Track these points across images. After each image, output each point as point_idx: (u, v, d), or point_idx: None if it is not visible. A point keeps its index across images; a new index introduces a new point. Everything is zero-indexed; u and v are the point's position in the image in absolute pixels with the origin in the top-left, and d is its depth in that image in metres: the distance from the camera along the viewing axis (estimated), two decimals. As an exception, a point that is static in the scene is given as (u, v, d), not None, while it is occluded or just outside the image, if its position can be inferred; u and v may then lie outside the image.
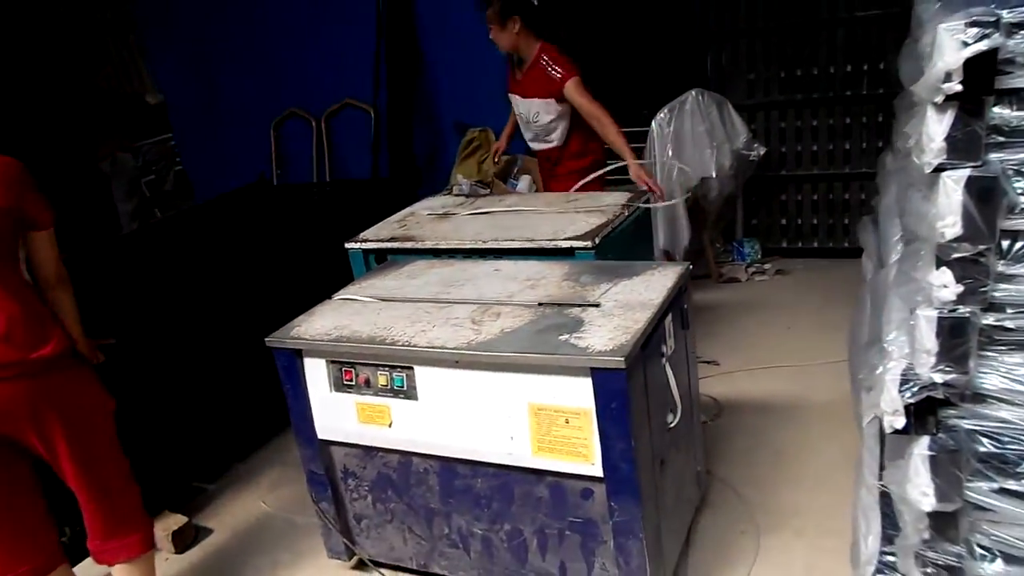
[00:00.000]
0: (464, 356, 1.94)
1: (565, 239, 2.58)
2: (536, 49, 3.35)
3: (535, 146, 3.59)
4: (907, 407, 1.36)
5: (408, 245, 2.81)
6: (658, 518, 2.00)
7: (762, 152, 4.22)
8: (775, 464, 2.71)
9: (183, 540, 2.70)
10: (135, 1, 6.53)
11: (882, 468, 1.57)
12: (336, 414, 2.19)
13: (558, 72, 3.28)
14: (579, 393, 1.85)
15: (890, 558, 1.59)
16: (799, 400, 3.08)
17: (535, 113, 3.42)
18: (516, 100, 3.52)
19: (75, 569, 2.26)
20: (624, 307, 2.04)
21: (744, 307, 4.06)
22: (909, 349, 1.43)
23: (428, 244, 2.78)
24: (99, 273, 2.84)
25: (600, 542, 1.99)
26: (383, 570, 2.37)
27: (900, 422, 1.37)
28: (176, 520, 2.71)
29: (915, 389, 1.36)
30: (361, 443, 2.21)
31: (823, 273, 4.38)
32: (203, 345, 3.05)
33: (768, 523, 2.42)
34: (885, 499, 1.58)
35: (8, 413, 1.89)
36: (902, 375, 1.38)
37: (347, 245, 2.95)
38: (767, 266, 4.50)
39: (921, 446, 1.37)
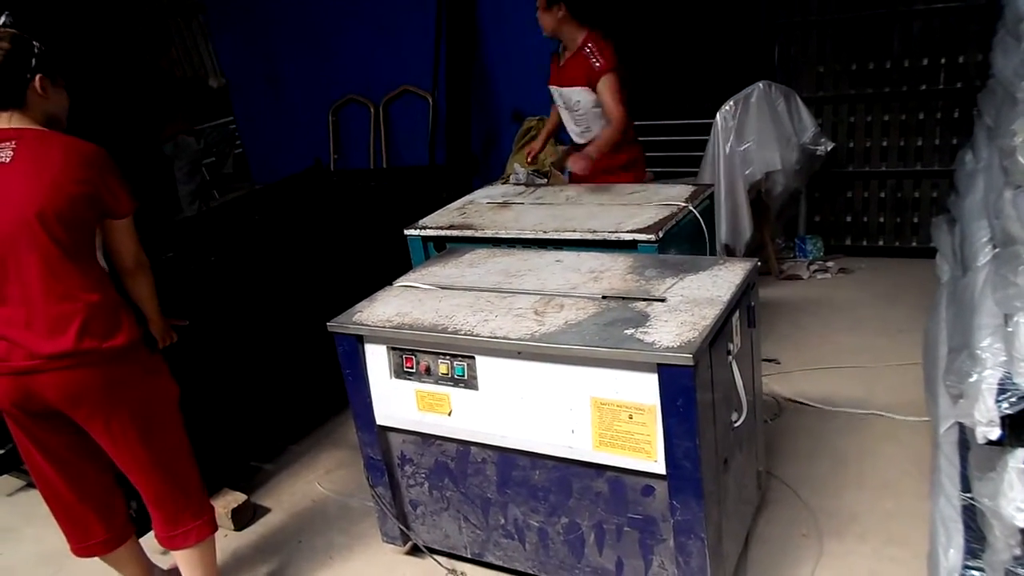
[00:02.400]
0: (527, 347, 1.92)
1: (628, 232, 2.54)
2: (582, 37, 3.32)
3: (581, 139, 3.51)
4: (1003, 418, 1.30)
5: (468, 233, 2.80)
6: (720, 518, 1.96)
7: (830, 147, 4.10)
8: (837, 467, 2.64)
9: (242, 518, 2.75)
10: (202, -14, 6.66)
11: (965, 478, 1.50)
12: (395, 401, 2.20)
13: (598, 61, 3.27)
14: (644, 389, 1.81)
15: (974, 573, 1.52)
16: (862, 402, 2.98)
17: (576, 101, 3.39)
18: (557, 92, 3.48)
19: (141, 541, 2.32)
20: (691, 303, 1.99)
21: (805, 305, 3.96)
22: (1006, 357, 1.36)
23: (488, 233, 2.77)
24: (163, 255, 2.89)
25: (659, 540, 1.95)
26: (437, 556, 2.37)
27: (995, 433, 1.31)
28: (236, 498, 2.76)
29: (1013, 399, 1.29)
30: (420, 430, 2.21)
31: (888, 273, 4.25)
32: (263, 327, 3.10)
33: (830, 527, 2.36)
34: (969, 511, 1.52)
35: (78, 399, 1.92)
36: (999, 384, 1.32)
37: (406, 232, 2.96)
38: (830, 264, 4.38)
39: (1017, 459, 1.30)
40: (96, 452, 2.06)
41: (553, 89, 3.51)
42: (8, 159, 1.84)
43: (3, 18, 1.90)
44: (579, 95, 3.36)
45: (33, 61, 1.88)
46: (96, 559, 2.23)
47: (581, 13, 3.33)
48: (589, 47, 3.29)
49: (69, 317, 1.87)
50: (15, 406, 1.95)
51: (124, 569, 2.28)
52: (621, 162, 3.43)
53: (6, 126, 1.88)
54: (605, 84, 3.25)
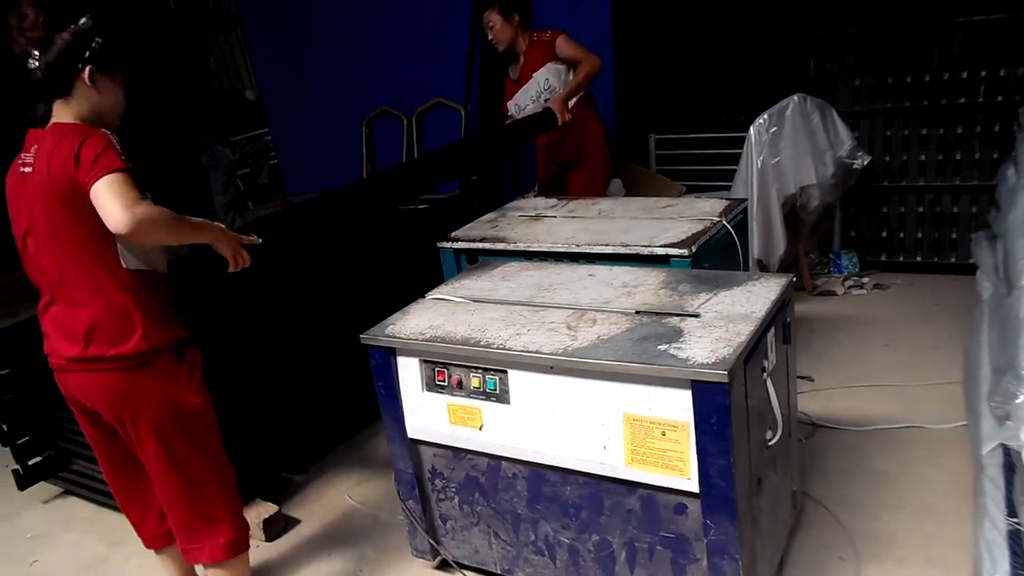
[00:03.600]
0: (560, 362, 1.91)
1: (661, 246, 2.52)
2: (528, 35, 3.75)
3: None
4: (1051, 442, 1.26)
5: (500, 246, 2.80)
6: (754, 539, 1.92)
7: (867, 161, 4.04)
8: (875, 488, 2.58)
9: (273, 529, 2.76)
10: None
11: (1011, 503, 1.46)
12: (427, 414, 2.20)
13: (547, 35, 3.70)
14: (677, 405, 1.79)
15: (1018, 600, 1.48)
16: (900, 422, 2.92)
17: (545, 80, 3.69)
18: (519, 95, 3.81)
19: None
20: (725, 319, 1.97)
21: (840, 321, 3.90)
22: (1053, 379, 1.32)
23: (520, 246, 2.77)
24: (199, 267, 2.93)
25: (692, 560, 1.93)
26: (467, 572, 2.36)
27: (1042, 457, 1.27)
28: (267, 508, 2.77)
29: (1060, 423, 1.26)
30: (451, 444, 2.21)
31: (926, 289, 4.17)
32: (295, 338, 3.12)
33: (868, 550, 2.30)
34: (1015, 536, 1.47)
35: (96, 400, 1.97)
36: (1046, 407, 1.28)
37: (439, 244, 2.97)
38: (865, 280, 4.31)
39: (1065, 485, 1.27)
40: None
41: (515, 99, 3.85)
42: (31, 167, 1.87)
43: (84, 20, 1.86)
44: (547, 73, 3.71)
45: (87, 53, 1.86)
46: (143, 561, 2.33)
47: (525, 17, 3.79)
48: (534, 37, 3.74)
49: (78, 322, 1.90)
50: (67, 400, 2.05)
51: (169, 570, 2.33)
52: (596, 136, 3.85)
53: (53, 120, 1.88)
54: (563, 42, 3.66)
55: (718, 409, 1.73)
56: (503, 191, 5.27)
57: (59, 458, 3.16)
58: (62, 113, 1.89)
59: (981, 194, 4.11)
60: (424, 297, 2.44)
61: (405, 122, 5.91)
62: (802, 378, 3.26)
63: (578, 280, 2.39)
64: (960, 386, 2.75)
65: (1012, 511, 1.52)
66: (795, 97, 3.85)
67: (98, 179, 1.75)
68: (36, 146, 1.88)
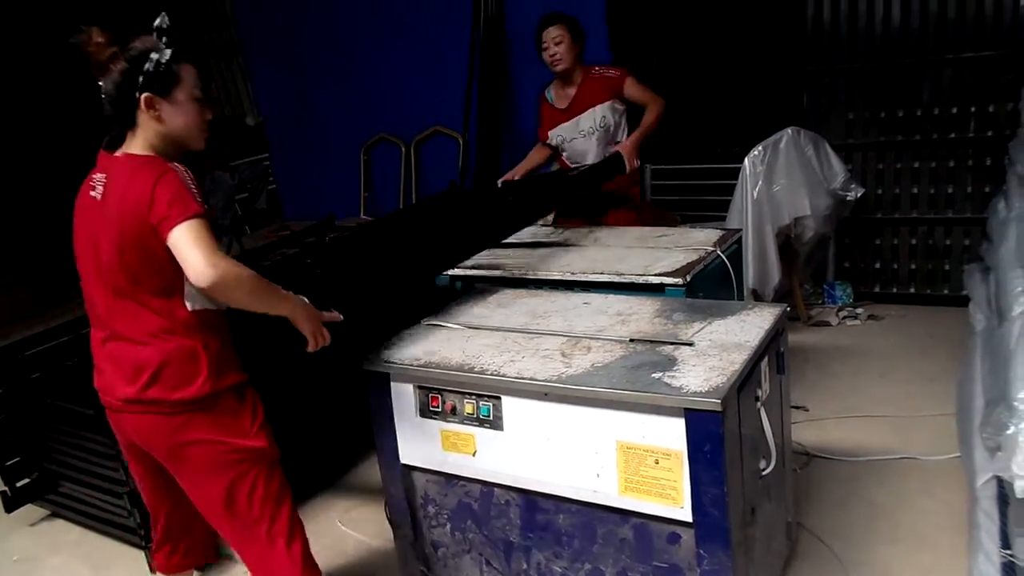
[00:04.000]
0: (554, 389, 1.91)
1: (655, 275, 2.54)
2: (584, 68, 3.65)
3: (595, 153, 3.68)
4: (1042, 473, 1.27)
5: (495, 274, 2.82)
6: (748, 569, 1.91)
7: (860, 193, 4.08)
8: (870, 519, 2.57)
9: (262, 554, 2.73)
10: (240, 26, 6.85)
11: (1005, 535, 1.46)
12: (421, 440, 2.19)
13: (613, 72, 3.61)
14: (671, 433, 1.79)
15: (1011, 634, 1.47)
16: (895, 453, 2.92)
17: (602, 118, 3.59)
18: (566, 127, 3.69)
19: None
20: (719, 347, 1.98)
21: (834, 351, 3.91)
22: (1044, 410, 1.33)
23: (516, 273, 2.78)
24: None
25: (685, 590, 1.91)
26: (457, 600, 2.34)
27: (1033, 488, 1.27)
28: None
29: (1051, 454, 1.26)
30: (444, 470, 2.20)
31: (919, 320, 4.19)
32: (293, 366, 3.10)
33: (862, 583, 2.29)
34: (1009, 569, 1.47)
35: (149, 442, 1.89)
36: (1036, 438, 1.28)
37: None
38: (859, 310, 4.33)
39: (1057, 516, 1.27)
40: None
41: (559, 129, 3.72)
42: (100, 195, 1.79)
43: (159, 19, 1.72)
44: (605, 111, 3.59)
45: (140, 79, 1.75)
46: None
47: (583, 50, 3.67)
48: (596, 69, 3.64)
49: (140, 362, 1.81)
50: (120, 441, 2.01)
51: None
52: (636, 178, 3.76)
53: (125, 149, 1.81)
54: (631, 83, 3.56)
55: (711, 438, 1.73)
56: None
57: (46, 480, 3.13)
58: (132, 143, 1.80)
59: (973, 227, 4.14)
60: (419, 323, 2.44)
61: (403, 149, 5.96)
62: (797, 408, 3.25)
63: (573, 308, 2.40)
64: (954, 418, 2.75)
65: (1006, 543, 1.51)
66: (789, 130, 3.90)
67: (176, 225, 1.66)
68: (107, 174, 1.80)
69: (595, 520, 1.99)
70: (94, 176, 1.84)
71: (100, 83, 1.77)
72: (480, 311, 2.49)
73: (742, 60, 4.64)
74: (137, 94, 1.75)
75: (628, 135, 3.61)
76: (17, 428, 3.07)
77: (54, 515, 3.24)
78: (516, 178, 3.81)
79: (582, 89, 3.64)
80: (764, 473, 2.01)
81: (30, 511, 3.23)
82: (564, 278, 2.68)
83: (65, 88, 6.56)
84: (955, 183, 4.23)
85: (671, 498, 1.83)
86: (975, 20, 3.97)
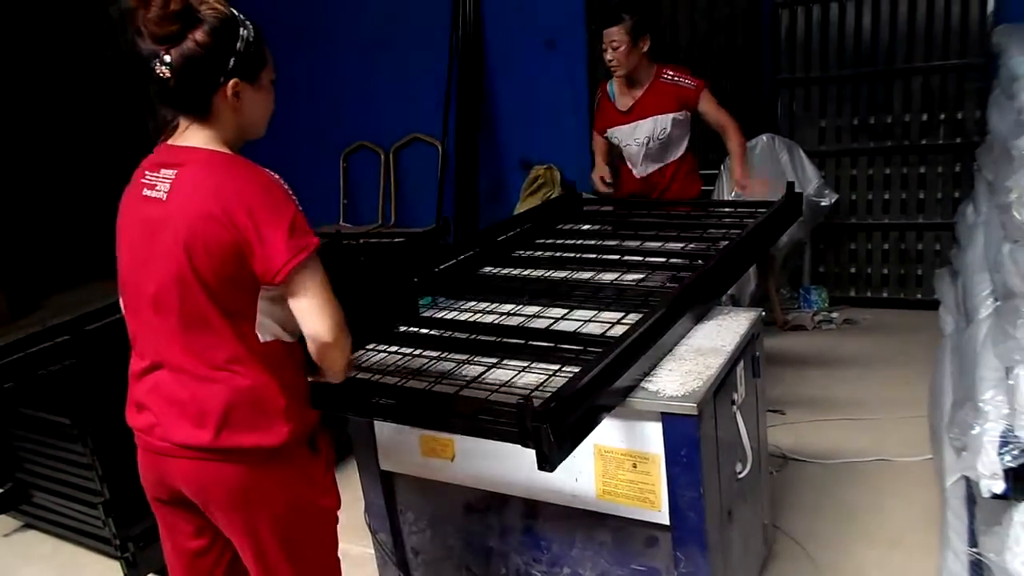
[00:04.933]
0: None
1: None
2: (655, 67, 3.29)
3: (646, 170, 3.43)
4: (1007, 471, 1.30)
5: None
6: (725, 571, 1.93)
7: (834, 199, 4.14)
8: (845, 520, 2.61)
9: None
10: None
11: (973, 533, 1.49)
12: (399, 445, 2.19)
13: (689, 82, 3.27)
14: (648, 437, 1.81)
15: (980, 630, 1.51)
16: (869, 454, 2.96)
17: (662, 130, 3.30)
18: (624, 130, 3.37)
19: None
20: (695, 352, 2.00)
21: (810, 356, 3.96)
22: (1008, 410, 1.36)
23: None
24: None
25: (663, 593, 1.93)
26: (437, 607, 2.34)
27: (999, 486, 1.30)
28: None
29: (1015, 452, 1.30)
30: (423, 476, 2.20)
31: (893, 324, 4.25)
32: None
33: (837, 583, 2.32)
34: (976, 566, 1.50)
35: (208, 496, 1.55)
36: (1001, 437, 1.32)
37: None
38: (834, 315, 4.39)
39: (1022, 512, 1.30)
40: (227, 550, 1.69)
41: (618, 130, 3.39)
42: (165, 194, 1.44)
43: (223, 9, 1.41)
44: (666, 123, 3.29)
45: (232, 61, 1.42)
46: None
47: (657, 45, 3.30)
48: (668, 74, 3.28)
49: (209, 401, 1.48)
50: (154, 486, 1.62)
51: None
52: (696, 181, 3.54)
53: (176, 142, 1.48)
54: (707, 99, 3.26)
55: (688, 441, 1.75)
56: (478, 225, 5.32)
57: (19, 490, 3.09)
58: (198, 135, 1.47)
59: (944, 231, 4.22)
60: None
61: (382, 156, 5.96)
62: (773, 411, 3.29)
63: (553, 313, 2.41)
64: (926, 419, 2.80)
65: (974, 541, 1.55)
66: (764, 137, 3.96)
67: (297, 266, 1.39)
68: (172, 171, 1.45)
69: (574, 524, 2.00)
70: (150, 171, 1.48)
71: (163, 54, 1.39)
72: (459, 316, 2.48)
73: (717, 69, 4.70)
74: (222, 79, 1.43)
75: (686, 152, 3.39)
76: (-10, 438, 3.03)
77: (28, 526, 3.20)
78: (605, 177, 3.47)
79: (648, 94, 3.30)
80: (740, 476, 2.04)
81: (3, 522, 3.19)
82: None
83: (37, 86, 6.51)
84: (925, 189, 4.31)
85: (649, 501, 1.84)
86: (943, 30, 4.06)
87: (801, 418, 3.30)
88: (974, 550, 1.51)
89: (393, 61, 5.68)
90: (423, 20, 5.46)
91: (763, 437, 2.34)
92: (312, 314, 1.42)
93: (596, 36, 4.41)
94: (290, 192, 1.47)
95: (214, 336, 1.47)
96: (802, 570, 2.39)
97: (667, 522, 1.83)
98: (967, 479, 1.73)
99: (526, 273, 2.63)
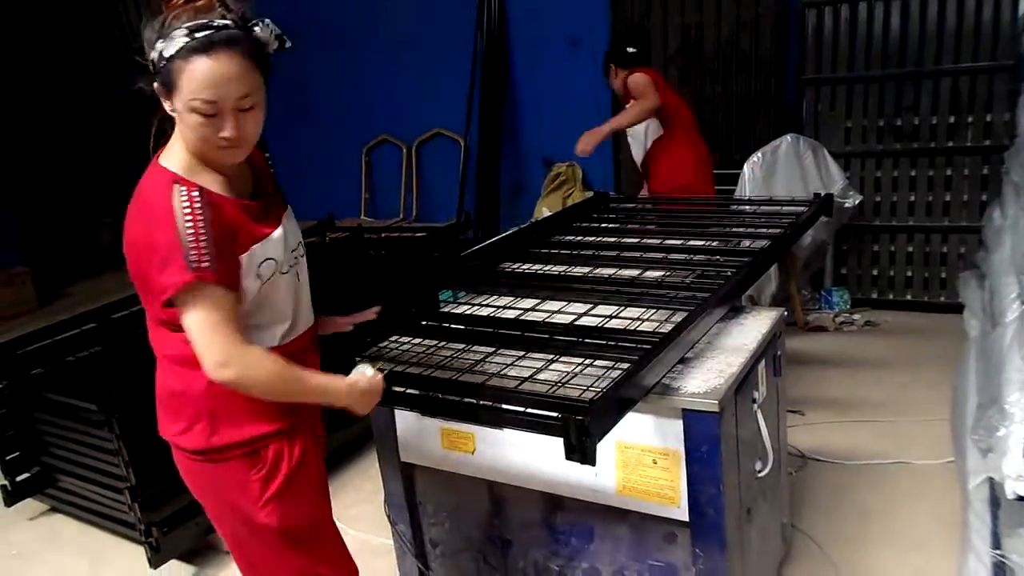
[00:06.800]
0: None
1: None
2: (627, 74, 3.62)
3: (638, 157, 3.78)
4: (1033, 473, 1.29)
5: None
6: (743, 569, 1.94)
7: (858, 200, 4.11)
8: (863, 521, 2.60)
9: (261, 550, 2.74)
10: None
11: (996, 535, 1.48)
12: (420, 438, 2.21)
13: (625, 78, 3.61)
14: (669, 434, 1.81)
15: (1001, 632, 1.50)
16: (889, 456, 2.95)
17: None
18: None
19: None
20: (717, 350, 2.00)
21: (831, 357, 3.94)
22: (1035, 412, 1.36)
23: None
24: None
25: (681, 589, 1.93)
26: (455, 598, 2.36)
27: None
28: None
29: (1042, 455, 1.29)
30: (443, 468, 2.21)
31: (915, 327, 4.22)
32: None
33: (855, 585, 2.32)
34: (999, 569, 1.49)
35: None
36: (1027, 439, 1.31)
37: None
38: (856, 316, 4.36)
39: (1046, 516, 1.30)
40: None
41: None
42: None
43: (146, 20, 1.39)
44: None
45: (157, 72, 1.40)
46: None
47: (626, 62, 3.65)
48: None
49: (157, 389, 1.59)
50: None
51: None
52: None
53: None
54: (631, 81, 3.56)
55: (708, 438, 1.76)
56: (499, 221, 5.33)
57: (45, 474, 3.15)
58: (166, 151, 1.48)
59: (969, 234, 4.18)
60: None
61: (405, 151, 5.99)
62: (793, 412, 3.28)
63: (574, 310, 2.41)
64: (948, 423, 2.78)
65: (997, 543, 1.54)
66: (788, 137, 3.94)
67: (170, 294, 1.36)
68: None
69: (593, 519, 2.01)
70: None
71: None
72: (481, 312, 2.50)
73: (743, 69, 4.68)
74: (156, 85, 1.44)
75: (663, 140, 3.66)
76: (18, 423, 3.09)
77: (54, 510, 3.26)
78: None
79: (623, 98, 3.72)
80: (760, 475, 2.04)
81: (30, 505, 3.24)
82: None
83: (64, 77, 6.59)
84: (952, 191, 4.26)
85: (668, 498, 1.85)
86: (973, 31, 4.02)
87: (821, 419, 3.29)
88: (997, 552, 1.50)
89: (418, 59, 5.70)
90: (449, 19, 5.48)
91: (783, 437, 2.34)
92: (196, 349, 1.39)
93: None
94: (181, 218, 1.34)
95: (156, 330, 1.52)
96: (820, 570, 2.39)
97: (686, 518, 1.83)
98: (991, 481, 1.72)
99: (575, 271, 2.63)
